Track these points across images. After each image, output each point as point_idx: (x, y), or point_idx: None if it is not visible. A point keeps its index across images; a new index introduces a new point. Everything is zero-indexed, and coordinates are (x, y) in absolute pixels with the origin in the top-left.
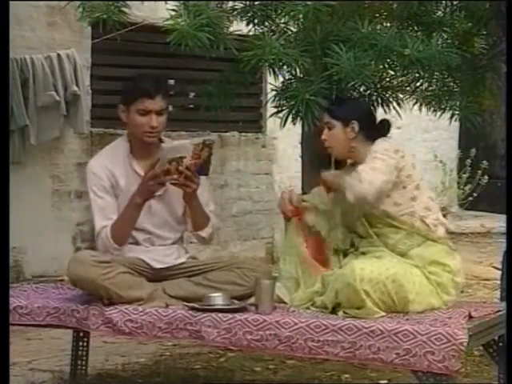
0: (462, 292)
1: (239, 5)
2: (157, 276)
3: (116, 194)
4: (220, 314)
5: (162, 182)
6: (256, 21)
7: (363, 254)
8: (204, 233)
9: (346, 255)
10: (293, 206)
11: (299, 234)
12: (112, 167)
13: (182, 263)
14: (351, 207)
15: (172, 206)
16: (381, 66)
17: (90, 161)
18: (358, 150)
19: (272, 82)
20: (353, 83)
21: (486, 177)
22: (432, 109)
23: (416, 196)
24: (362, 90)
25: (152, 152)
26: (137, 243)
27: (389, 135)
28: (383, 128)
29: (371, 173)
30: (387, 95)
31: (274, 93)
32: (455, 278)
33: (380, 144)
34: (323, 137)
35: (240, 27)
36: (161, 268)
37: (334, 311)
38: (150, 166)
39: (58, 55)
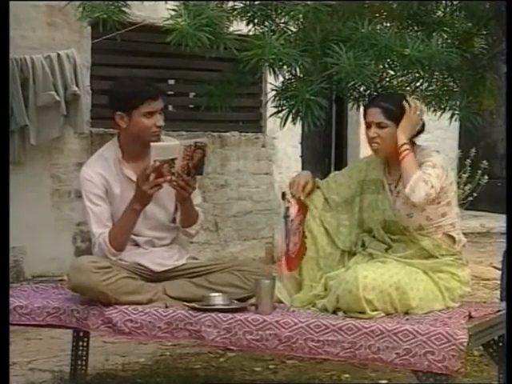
0: None
1: (239, 5)
2: (158, 278)
3: (110, 200)
4: (220, 314)
5: (157, 185)
6: (256, 21)
7: (370, 255)
8: (192, 229)
9: (351, 253)
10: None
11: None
12: (105, 173)
13: (183, 264)
14: (378, 209)
15: (164, 206)
16: (381, 66)
17: (83, 168)
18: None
19: (272, 82)
20: (353, 83)
21: (486, 177)
22: (432, 109)
23: (446, 212)
24: (361, 89)
25: (144, 155)
26: (136, 245)
27: None
28: (421, 128)
29: (436, 179)
30: None
31: (274, 93)
32: (463, 287)
33: (437, 157)
34: (372, 134)
35: (240, 27)
36: (161, 271)
37: (333, 313)
38: (142, 171)
39: (58, 55)
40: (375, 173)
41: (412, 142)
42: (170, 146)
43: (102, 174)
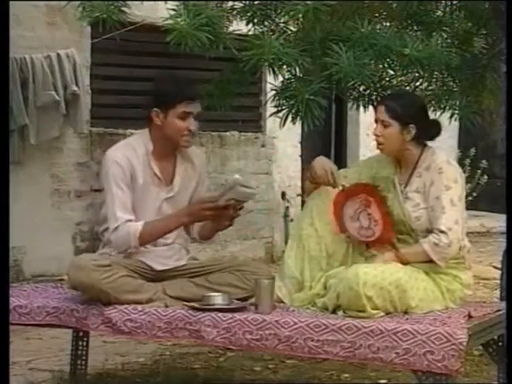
0: None
1: (239, 4)
2: (158, 277)
3: (133, 188)
4: (220, 314)
5: (216, 215)
6: (256, 20)
7: (373, 256)
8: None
9: (354, 253)
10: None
11: (313, 218)
12: (132, 160)
13: (183, 264)
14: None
15: (177, 208)
16: (380, 66)
17: (110, 152)
18: (411, 151)
19: (272, 82)
20: (352, 83)
21: (486, 176)
22: (432, 108)
23: None
24: (361, 89)
25: (169, 156)
26: None
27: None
28: (434, 129)
29: (456, 228)
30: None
31: (274, 92)
32: (464, 290)
33: (448, 169)
34: (376, 132)
35: (240, 27)
36: (162, 270)
37: (333, 312)
38: (211, 199)
39: (58, 55)
40: (386, 171)
41: (423, 144)
42: (250, 192)
43: (130, 161)
